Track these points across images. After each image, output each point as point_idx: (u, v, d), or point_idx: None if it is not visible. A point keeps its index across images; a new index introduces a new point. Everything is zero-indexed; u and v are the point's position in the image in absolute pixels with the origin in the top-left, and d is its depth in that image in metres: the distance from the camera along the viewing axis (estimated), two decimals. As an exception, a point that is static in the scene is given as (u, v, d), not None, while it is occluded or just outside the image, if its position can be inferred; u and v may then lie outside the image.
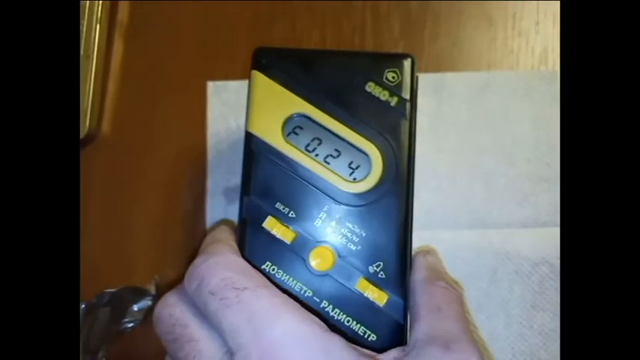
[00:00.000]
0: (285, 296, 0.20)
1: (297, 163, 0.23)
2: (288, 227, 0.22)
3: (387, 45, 0.34)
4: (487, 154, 0.33)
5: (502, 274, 0.32)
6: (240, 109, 0.34)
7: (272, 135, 0.23)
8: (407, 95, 0.24)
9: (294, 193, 0.23)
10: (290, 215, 0.23)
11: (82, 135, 0.32)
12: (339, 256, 0.22)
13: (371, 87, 0.23)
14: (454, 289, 0.23)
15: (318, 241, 0.22)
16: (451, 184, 0.33)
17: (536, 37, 0.34)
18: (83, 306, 0.31)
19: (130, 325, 0.31)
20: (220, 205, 0.33)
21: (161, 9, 0.35)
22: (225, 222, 0.25)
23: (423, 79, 0.33)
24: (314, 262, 0.22)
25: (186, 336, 0.19)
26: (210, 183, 0.33)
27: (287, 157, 0.23)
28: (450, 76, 0.33)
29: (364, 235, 0.23)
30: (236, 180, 0.33)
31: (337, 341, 0.18)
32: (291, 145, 0.23)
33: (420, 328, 0.21)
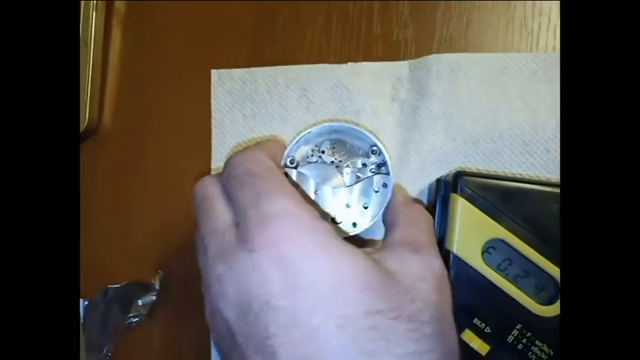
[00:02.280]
0: (293, 189, 0.23)
1: (492, 283, 0.26)
2: (484, 341, 0.26)
3: (395, 30, 0.32)
4: (504, 144, 0.31)
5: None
6: (245, 98, 0.32)
7: (471, 256, 0.26)
8: None
9: (489, 311, 0.26)
10: (486, 330, 0.26)
11: (82, 127, 0.32)
12: None
13: None
14: (427, 212, 0.28)
15: (510, 356, 0.26)
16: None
17: (559, 16, 0.32)
18: (87, 302, 0.30)
19: (135, 320, 0.31)
20: (225, 198, 0.32)
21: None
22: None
23: (437, 59, 0.32)
24: None
25: (209, 208, 0.24)
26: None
27: (485, 277, 0.26)
28: (467, 57, 0.31)
29: (552, 354, 0.26)
30: (241, 172, 0.32)
31: (325, 226, 0.22)
32: (487, 265, 0.26)
33: (396, 235, 0.25)
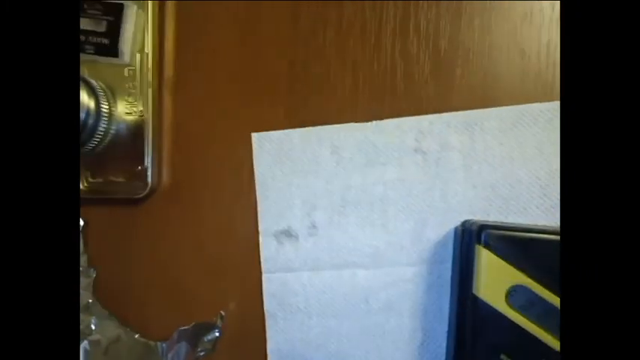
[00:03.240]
0: None
1: (516, 323, 0.30)
2: None
3: (417, 88, 0.35)
4: (522, 188, 0.34)
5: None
6: (283, 157, 0.36)
7: (496, 300, 0.30)
8: None
9: (514, 349, 0.30)
10: None
11: (146, 190, 0.37)
12: None
13: None
14: None
15: None
16: (486, 219, 0.34)
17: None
18: (165, 344, 0.36)
19: (202, 353, 0.36)
20: (272, 246, 0.36)
21: (203, 62, 0.38)
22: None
23: (454, 116, 0.35)
24: None
25: None
26: (261, 227, 0.37)
27: (509, 318, 0.30)
28: (481, 112, 0.34)
29: None
30: (284, 224, 0.36)
31: None
32: (511, 307, 0.30)
33: None
